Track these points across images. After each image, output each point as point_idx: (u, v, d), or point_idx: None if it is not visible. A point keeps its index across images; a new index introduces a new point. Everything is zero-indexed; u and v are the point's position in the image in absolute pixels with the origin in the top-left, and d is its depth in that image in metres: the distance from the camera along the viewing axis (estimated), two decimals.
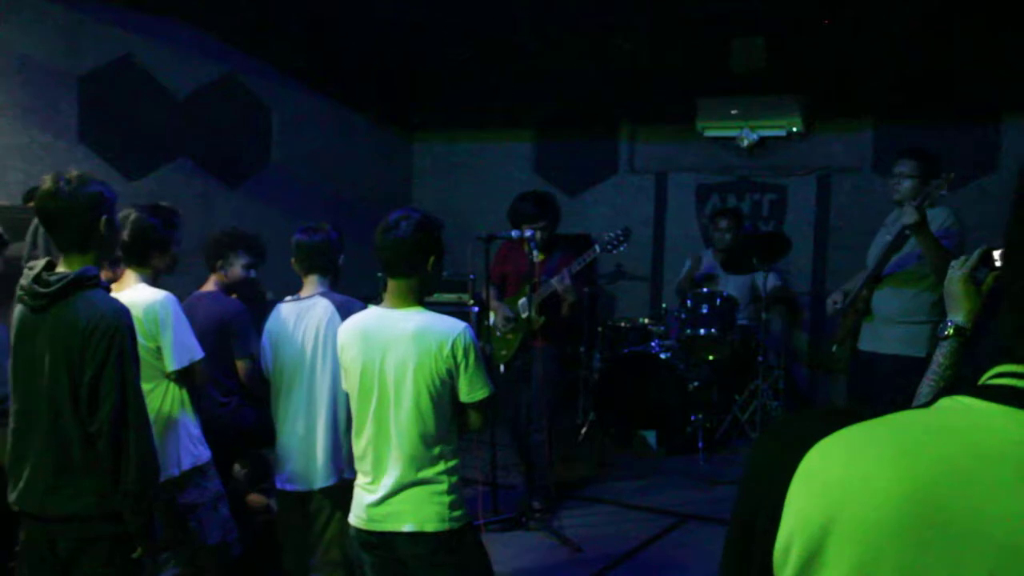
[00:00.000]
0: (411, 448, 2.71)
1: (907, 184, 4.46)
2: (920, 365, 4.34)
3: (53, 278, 2.56)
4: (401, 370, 2.70)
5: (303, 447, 3.56)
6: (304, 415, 3.56)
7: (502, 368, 5.14)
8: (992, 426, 0.74)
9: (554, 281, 4.85)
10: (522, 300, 5.01)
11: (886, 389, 4.47)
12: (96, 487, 2.58)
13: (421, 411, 2.70)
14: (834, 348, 5.02)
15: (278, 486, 3.68)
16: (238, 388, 4.05)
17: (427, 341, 2.70)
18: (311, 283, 3.64)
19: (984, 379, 0.81)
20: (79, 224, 2.63)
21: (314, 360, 3.52)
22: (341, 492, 3.10)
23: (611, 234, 5.02)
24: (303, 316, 3.56)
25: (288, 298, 3.67)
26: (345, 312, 3.29)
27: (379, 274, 5.73)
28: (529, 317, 4.89)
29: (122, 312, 2.61)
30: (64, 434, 2.57)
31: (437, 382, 2.70)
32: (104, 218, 2.66)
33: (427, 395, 2.70)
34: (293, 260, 3.68)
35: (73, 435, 2.57)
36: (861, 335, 4.64)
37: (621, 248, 5.04)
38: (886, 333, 4.49)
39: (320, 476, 3.53)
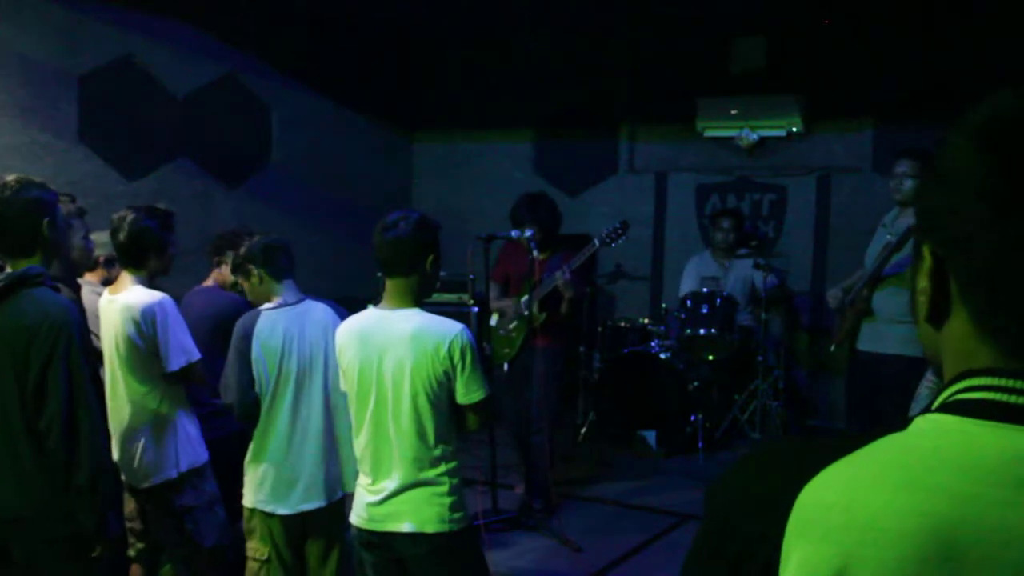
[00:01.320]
0: (410, 449, 2.71)
1: (909, 184, 4.47)
2: (922, 365, 4.37)
3: None
4: (399, 371, 2.70)
5: (324, 456, 3.34)
6: (321, 421, 3.35)
7: (506, 367, 5.14)
8: (982, 445, 0.71)
9: (556, 275, 4.85)
10: (524, 298, 5.01)
11: (888, 391, 4.48)
12: (47, 487, 2.56)
13: (419, 412, 2.70)
14: (832, 348, 5.03)
15: (286, 512, 3.31)
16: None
17: (424, 342, 2.70)
18: (289, 288, 3.43)
19: (951, 393, 0.77)
20: (18, 229, 2.64)
21: (327, 363, 3.34)
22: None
23: (609, 228, 5.03)
24: (306, 320, 3.38)
25: (268, 305, 3.41)
26: (341, 313, 3.23)
27: (379, 274, 5.73)
28: (530, 313, 4.91)
29: (68, 309, 2.60)
30: (12, 434, 2.55)
31: (435, 383, 2.70)
32: (46, 220, 2.66)
33: (425, 396, 2.70)
34: (261, 269, 3.41)
35: (21, 435, 2.54)
36: (861, 335, 4.65)
37: (620, 241, 5.06)
38: (889, 333, 4.50)
39: (352, 479, 3.21)
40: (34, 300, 2.56)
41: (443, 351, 2.69)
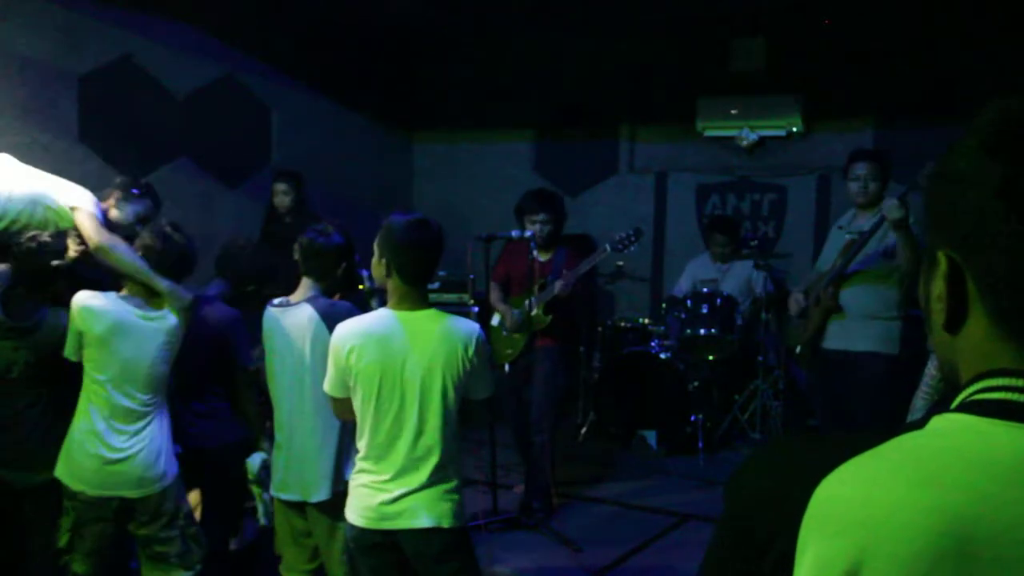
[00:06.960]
0: (436, 447, 2.76)
1: (874, 187, 4.58)
2: (893, 363, 4.40)
3: None
4: (429, 371, 2.74)
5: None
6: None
7: (507, 367, 5.14)
8: (999, 445, 0.72)
9: (557, 285, 4.84)
10: (528, 300, 5.01)
11: (861, 390, 4.46)
12: None
13: (448, 410, 2.76)
14: (798, 349, 5.01)
15: None
16: (223, 403, 3.76)
17: (454, 342, 2.76)
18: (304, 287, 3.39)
19: (969, 393, 0.77)
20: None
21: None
22: None
23: (621, 234, 5.03)
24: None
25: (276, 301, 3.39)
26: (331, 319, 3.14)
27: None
28: (536, 315, 4.91)
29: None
30: None
31: (459, 381, 2.77)
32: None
33: (454, 394, 2.76)
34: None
35: None
36: (828, 333, 4.64)
37: (632, 248, 5.06)
38: (860, 330, 4.50)
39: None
40: None
41: (471, 350, 2.77)
